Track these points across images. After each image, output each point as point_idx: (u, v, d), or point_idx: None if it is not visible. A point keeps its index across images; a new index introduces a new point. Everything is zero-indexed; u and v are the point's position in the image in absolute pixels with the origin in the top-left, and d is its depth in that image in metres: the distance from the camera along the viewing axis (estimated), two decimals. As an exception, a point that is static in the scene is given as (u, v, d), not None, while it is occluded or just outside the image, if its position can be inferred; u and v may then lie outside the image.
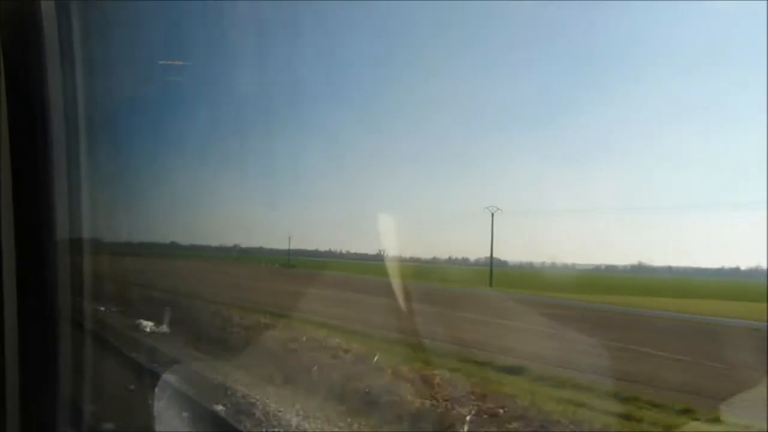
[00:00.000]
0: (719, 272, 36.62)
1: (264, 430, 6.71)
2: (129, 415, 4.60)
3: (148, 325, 10.76)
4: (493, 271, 32.34)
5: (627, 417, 7.91)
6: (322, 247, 40.98)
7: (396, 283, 13.18)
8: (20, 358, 2.55)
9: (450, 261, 39.02)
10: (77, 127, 3.08)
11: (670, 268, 38.41)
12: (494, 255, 32.61)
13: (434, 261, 38.05)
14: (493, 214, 27.80)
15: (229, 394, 7.29)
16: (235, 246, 29.37)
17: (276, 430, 6.75)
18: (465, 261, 40.59)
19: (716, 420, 7.18)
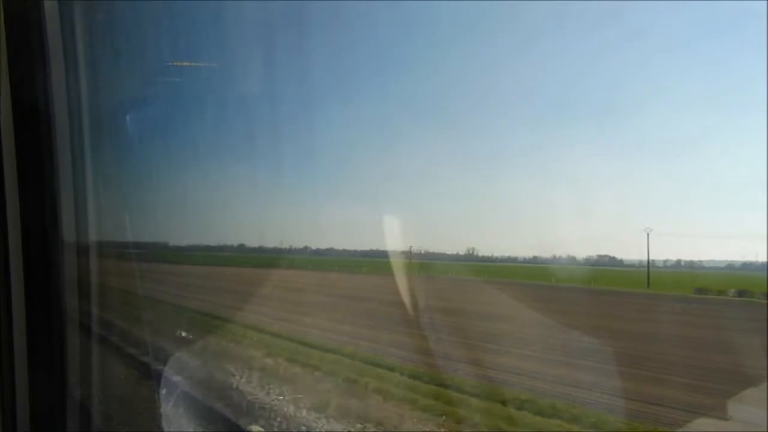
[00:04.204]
0: None
1: (267, 429, 6.69)
2: (137, 416, 4.60)
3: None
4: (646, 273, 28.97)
5: None
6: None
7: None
8: (29, 360, 2.55)
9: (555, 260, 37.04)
10: (82, 128, 3.07)
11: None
12: (609, 253, 30.46)
13: (556, 260, 36.00)
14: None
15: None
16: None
17: (279, 429, 6.72)
18: (572, 259, 38.28)
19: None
